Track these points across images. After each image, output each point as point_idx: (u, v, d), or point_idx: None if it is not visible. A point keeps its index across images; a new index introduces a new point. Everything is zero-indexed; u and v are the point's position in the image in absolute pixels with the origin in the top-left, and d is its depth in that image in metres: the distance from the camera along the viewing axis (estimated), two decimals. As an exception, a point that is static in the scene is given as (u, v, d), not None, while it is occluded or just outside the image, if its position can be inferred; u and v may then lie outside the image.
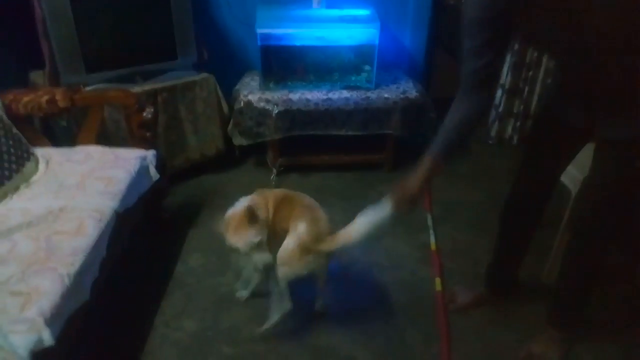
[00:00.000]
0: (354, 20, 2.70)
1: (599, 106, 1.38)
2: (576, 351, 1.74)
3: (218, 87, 2.68)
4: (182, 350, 1.74)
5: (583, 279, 1.63)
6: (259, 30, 2.56)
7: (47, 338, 1.23)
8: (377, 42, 2.62)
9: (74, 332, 1.40)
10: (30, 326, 1.22)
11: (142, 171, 1.99)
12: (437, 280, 2.06)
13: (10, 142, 1.82)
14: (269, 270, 1.81)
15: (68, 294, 1.35)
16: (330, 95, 2.68)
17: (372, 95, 2.70)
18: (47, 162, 1.93)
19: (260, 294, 1.99)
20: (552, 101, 1.56)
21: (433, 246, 2.28)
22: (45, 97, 2.03)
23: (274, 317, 1.73)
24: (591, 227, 1.52)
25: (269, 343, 1.77)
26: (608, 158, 1.42)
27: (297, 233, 1.62)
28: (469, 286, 2.00)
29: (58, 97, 2.05)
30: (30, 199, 1.73)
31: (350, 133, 2.72)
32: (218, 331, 1.82)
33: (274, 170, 2.80)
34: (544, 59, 3.04)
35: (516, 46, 2.99)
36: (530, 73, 3.08)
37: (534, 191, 1.69)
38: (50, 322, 1.26)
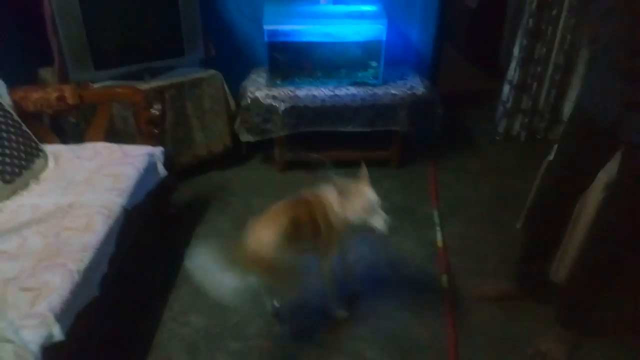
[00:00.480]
0: (361, 16, 2.69)
1: (626, 104, 1.35)
2: (587, 350, 1.74)
3: (225, 84, 2.69)
4: (189, 345, 1.76)
5: (597, 283, 1.62)
6: (266, 27, 2.56)
7: (57, 333, 1.25)
8: (384, 38, 2.61)
9: (83, 327, 1.42)
10: (40, 321, 1.24)
11: (150, 168, 2.00)
12: (444, 277, 2.06)
13: (20, 139, 1.84)
14: None
15: (77, 290, 1.37)
16: (337, 91, 2.68)
17: (379, 91, 2.69)
18: (56, 159, 1.95)
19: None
20: (583, 95, 1.53)
21: (440, 243, 2.28)
22: (54, 94, 2.05)
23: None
24: (613, 234, 1.49)
25: (275, 339, 1.78)
26: (632, 163, 1.40)
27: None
28: (489, 280, 2.01)
29: (67, 94, 2.06)
30: (39, 196, 1.75)
31: (357, 129, 2.72)
32: (225, 327, 1.83)
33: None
34: (553, 55, 3.02)
35: (524, 42, 2.97)
36: (539, 69, 3.06)
37: (562, 193, 1.65)
38: (60, 317, 1.27)
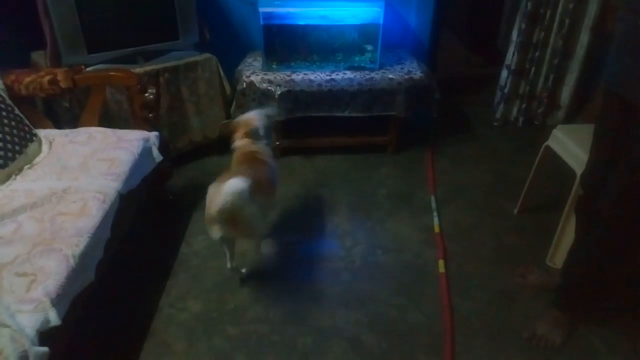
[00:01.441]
0: (358, -2, 2.66)
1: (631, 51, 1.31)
2: (585, 336, 1.74)
3: (220, 68, 2.65)
4: (187, 330, 1.76)
5: (596, 265, 1.60)
6: (262, 9, 2.53)
7: (54, 318, 1.24)
8: (381, 21, 2.58)
9: (79, 312, 1.41)
10: (36, 306, 1.23)
11: (145, 153, 1.98)
12: (441, 262, 2.06)
13: (13, 124, 1.81)
14: None
15: (73, 275, 1.36)
16: (334, 75, 2.65)
17: (376, 75, 2.67)
18: (50, 144, 1.92)
19: (265, 276, 2.00)
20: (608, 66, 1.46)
21: (437, 228, 2.28)
22: (47, 78, 2.01)
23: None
24: (614, 213, 1.47)
25: (273, 324, 1.78)
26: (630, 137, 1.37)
27: None
28: (476, 266, 2.00)
29: (59, 77, 2.03)
30: (33, 180, 1.73)
31: (353, 114, 2.70)
32: (223, 312, 1.83)
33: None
34: (551, 40, 3.00)
35: (523, 26, 2.95)
36: (537, 53, 3.04)
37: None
38: (56, 302, 1.26)
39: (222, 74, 2.68)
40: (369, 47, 2.78)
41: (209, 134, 2.75)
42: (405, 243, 2.20)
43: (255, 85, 2.61)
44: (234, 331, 1.76)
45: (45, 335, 1.21)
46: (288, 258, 2.10)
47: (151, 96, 2.14)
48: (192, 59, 2.54)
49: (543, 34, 2.98)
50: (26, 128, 1.87)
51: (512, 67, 3.10)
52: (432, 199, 2.49)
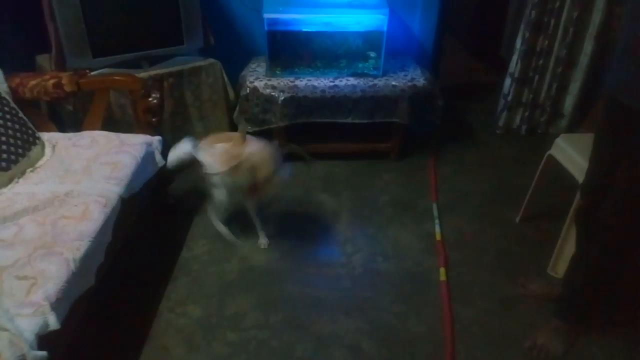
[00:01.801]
0: (362, 5, 2.66)
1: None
2: (585, 345, 1.73)
3: (224, 73, 2.66)
4: (186, 335, 1.75)
5: (597, 275, 1.60)
6: (266, 15, 2.54)
7: (53, 322, 1.25)
8: (385, 28, 2.59)
9: (79, 316, 1.42)
10: (36, 310, 1.23)
11: (148, 157, 1.99)
12: (442, 270, 2.06)
13: (17, 127, 1.82)
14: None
15: (74, 279, 1.36)
16: (337, 82, 2.66)
17: (380, 82, 2.67)
18: (53, 147, 1.93)
19: (265, 282, 2.00)
20: (612, 71, 1.45)
21: (438, 236, 2.27)
22: (52, 81, 2.03)
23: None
24: (614, 226, 1.47)
25: (272, 330, 1.78)
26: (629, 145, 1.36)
27: None
28: (477, 274, 1.99)
29: (64, 81, 2.04)
30: (36, 184, 1.73)
31: (356, 121, 2.70)
32: (223, 317, 1.83)
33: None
34: (555, 48, 3.00)
35: (527, 34, 2.95)
36: (541, 62, 3.04)
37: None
38: (56, 306, 1.27)
39: (225, 79, 2.69)
40: (373, 54, 2.79)
41: (212, 138, 2.75)
42: (406, 250, 2.19)
43: (259, 90, 2.62)
44: (234, 337, 1.75)
45: (44, 339, 1.22)
46: (288, 264, 2.10)
47: (155, 101, 2.15)
48: (196, 64, 2.56)
49: (547, 42, 2.98)
50: (30, 131, 1.88)
51: (516, 75, 3.09)
52: (434, 206, 2.49)
